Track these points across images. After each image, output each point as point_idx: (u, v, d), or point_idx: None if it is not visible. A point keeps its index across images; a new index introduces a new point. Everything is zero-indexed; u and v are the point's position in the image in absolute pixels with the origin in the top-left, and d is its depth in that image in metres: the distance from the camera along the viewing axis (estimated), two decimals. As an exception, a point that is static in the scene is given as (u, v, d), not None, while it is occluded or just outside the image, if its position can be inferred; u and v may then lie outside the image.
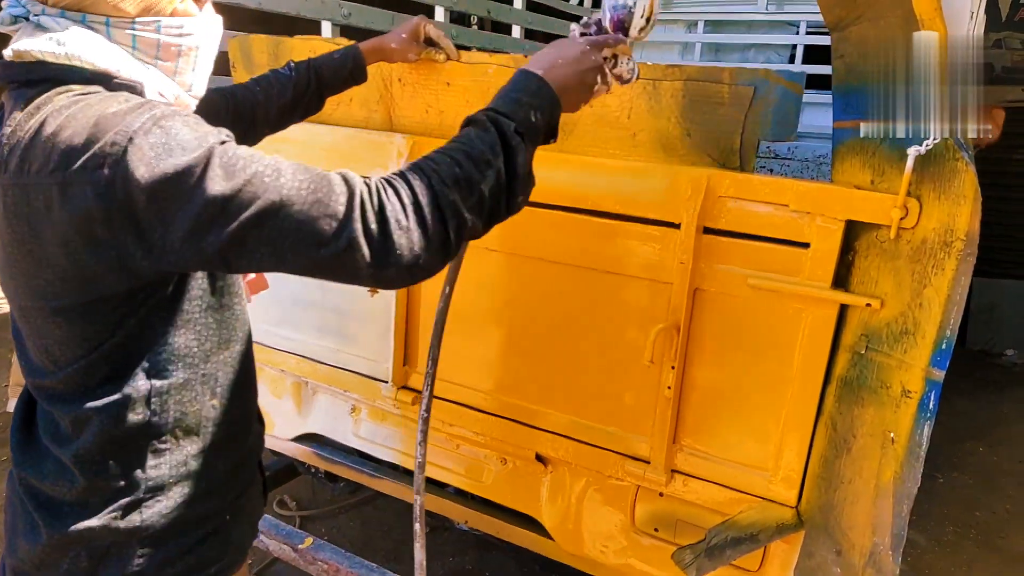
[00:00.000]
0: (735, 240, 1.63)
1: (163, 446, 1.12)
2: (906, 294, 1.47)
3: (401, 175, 1.00)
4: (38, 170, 0.94)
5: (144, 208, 0.91)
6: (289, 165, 0.96)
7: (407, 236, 0.96)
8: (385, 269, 0.96)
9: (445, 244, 1.00)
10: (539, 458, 2.01)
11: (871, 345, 1.52)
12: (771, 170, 4.84)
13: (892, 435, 1.49)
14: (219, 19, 1.12)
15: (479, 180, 1.02)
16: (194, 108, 1.12)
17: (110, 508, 1.09)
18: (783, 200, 1.56)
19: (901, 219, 1.45)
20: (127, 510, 1.11)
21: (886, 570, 1.50)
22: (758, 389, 1.66)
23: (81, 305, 1.01)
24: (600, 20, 1.31)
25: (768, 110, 1.62)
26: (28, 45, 0.98)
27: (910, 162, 1.42)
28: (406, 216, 0.96)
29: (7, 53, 1.00)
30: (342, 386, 2.26)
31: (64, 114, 0.94)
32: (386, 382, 2.15)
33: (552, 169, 1.81)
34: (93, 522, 1.09)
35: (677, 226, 1.67)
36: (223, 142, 0.95)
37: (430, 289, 2.05)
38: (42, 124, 0.95)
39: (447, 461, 2.19)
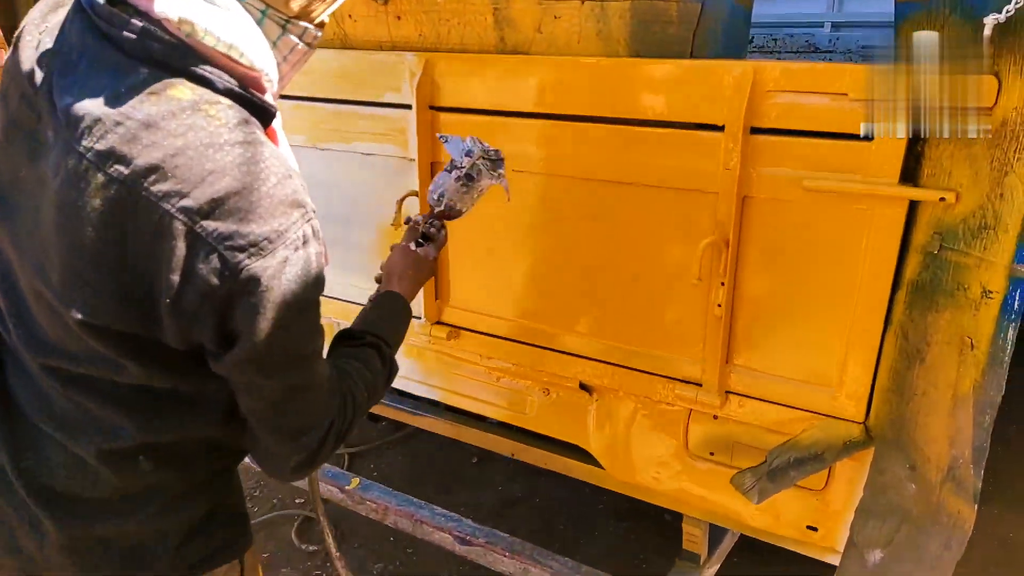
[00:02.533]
0: (787, 139, 1.47)
1: None
2: (984, 184, 1.32)
3: (344, 410, 1.06)
4: (163, 193, 0.82)
5: (243, 311, 0.87)
6: (323, 355, 1.03)
7: (325, 457, 1.05)
8: (297, 472, 1.06)
9: (330, 456, 1.09)
10: (583, 387, 1.93)
11: (945, 243, 1.38)
12: (811, 65, 4.56)
13: (971, 340, 1.36)
14: None
15: (367, 409, 1.16)
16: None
17: (144, 509, 1.02)
18: (841, 88, 1.39)
19: (977, 99, 1.29)
20: (164, 511, 1.03)
21: (967, 484, 1.39)
22: (818, 301, 1.53)
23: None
24: (425, 217, 1.53)
25: (717, 27, 1.51)
26: (190, 13, 0.84)
27: (987, 32, 1.24)
28: (333, 445, 1.05)
29: (160, 11, 0.83)
30: (374, 325, 2.18)
31: (200, 137, 0.84)
32: (419, 318, 2.06)
33: (577, 77, 1.66)
34: (122, 523, 1.02)
35: (720, 128, 1.51)
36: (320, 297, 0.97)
37: (458, 221, 1.93)
38: (164, 127, 0.83)
39: (487, 394, 2.12)
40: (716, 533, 1.96)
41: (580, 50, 1.70)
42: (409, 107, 1.87)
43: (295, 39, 0.96)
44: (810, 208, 1.49)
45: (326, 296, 2.18)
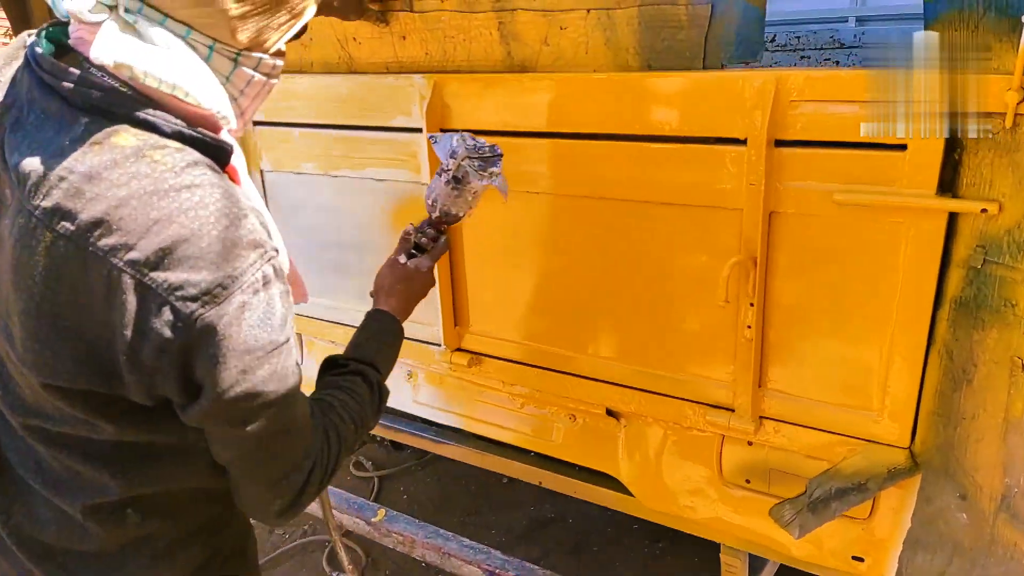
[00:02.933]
0: (814, 150, 1.39)
1: None
2: (1030, 192, 1.23)
3: (328, 447, 1.02)
4: (109, 247, 0.80)
5: (203, 362, 0.84)
6: (301, 395, 0.96)
7: (311, 497, 1.01)
8: (282, 517, 1.01)
9: (319, 493, 1.04)
10: (610, 413, 1.86)
11: (989, 257, 1.28)
12: (837, 62, 4.43)
13: (1022, 361, 1.26)
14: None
15: (357, 441, 1.12)
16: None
17: (135, 559, 1.00)
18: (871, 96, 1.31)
19: (1018, 103, 1.20)
20: (156, 560, 1.01)
21: (1022, 515, 1.30)
22: (855, 320, 1.45)
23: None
24: (419, 226, 1.47)
25: (729, 29, 1.45)
26: (128, 57, 0.80)
27: (1027, 31, 1.16)
28: (319, 485, 1.01)
29: (96, 56, 0.79)
30: (394, 353, 2.14)
31: (144, 185, 0.80)
32: (438, 345, 2.00)
33: (591, 94, 1.59)
34: (115, 575, 1.00)
35: (743, 142, 1.44)
36: (291, 335, 0.92)
37: (474, 246, 1.88)
38: (106, 178, 0.80)
39: (512, 422, 2.05)
40: (756, 561, 1.88)
41: (588, 61, 1.63)
42: (420, 131, 1.82)
43: (250, 71, 0.92)
44: (842, 223, 1.41)
45: (342, 324, 2.15)
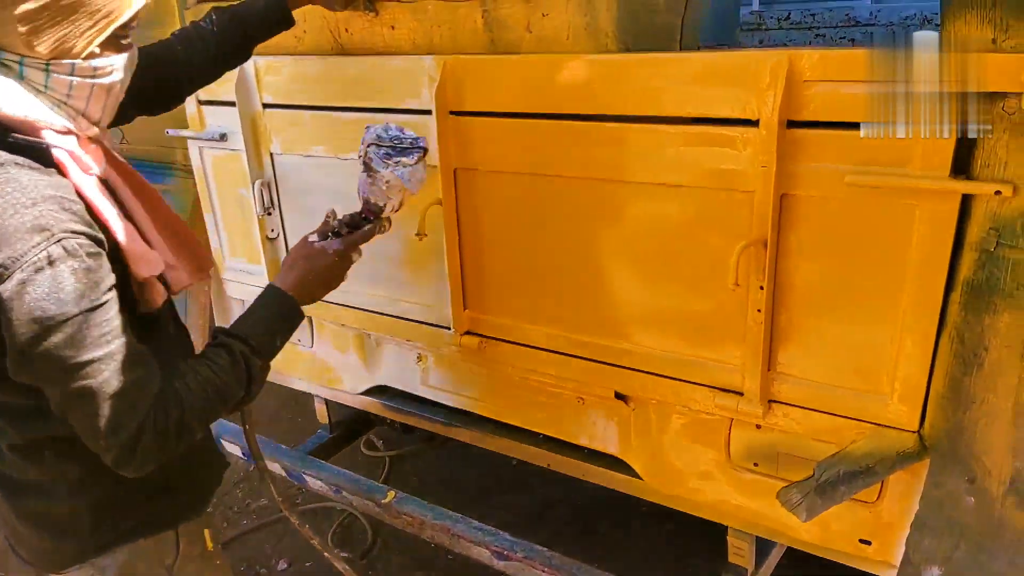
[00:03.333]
0: (827, 132, 1.38)
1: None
2: (1045, 175, 1.21)
3: (166, 408, 1.12)
4: None
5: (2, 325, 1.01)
6: (122, 360, 1.07)
7: (151, 455, 1.11)
8: (120, 468, 1.12)
9: (165, 458, 1.15)
10: (619, 396, 1.86)
11: (1003, 240, 1.27)
12: (852, 40, 4.37)
13: (1034, 344, 1.26)
14: (133, 54, 1.16)
15: (220, 412, 1.23)
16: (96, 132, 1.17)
17: (56, 491, 1.23)
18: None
19: (1035, 83, 1.18)
20: (71, 493, 1.22)
21: (1033, 498, 1.29)
22: (866, 303, 1.44)
23: None
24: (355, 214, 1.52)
25: (704, 10, 1.47)
26: None
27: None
28: (156, 443, 1.11)
29: None
30: (404, 336, 2.14)
31: None
32: (448, 329, 2.01)
33: (605, 75, 1.58)
34: (46, 502, 1.24)
35: (755, 123, 1.43)
36: (97, 306, 1.04)
37: (483, 228, 1.88)
38: None
39: (520, 404, 2.06)
40: (763, 544, 1.88)
41: (570, 46, 1.64)
42: (429, 113, 1.81)
43: (67, 77, 1.07)
44: (854, 205, 1.39)
45: (351, 307, 2.16)
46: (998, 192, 1.25)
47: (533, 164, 1.73)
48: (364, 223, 1.51)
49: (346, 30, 1.96)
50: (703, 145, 1.51)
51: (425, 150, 1.53)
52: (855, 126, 1.34)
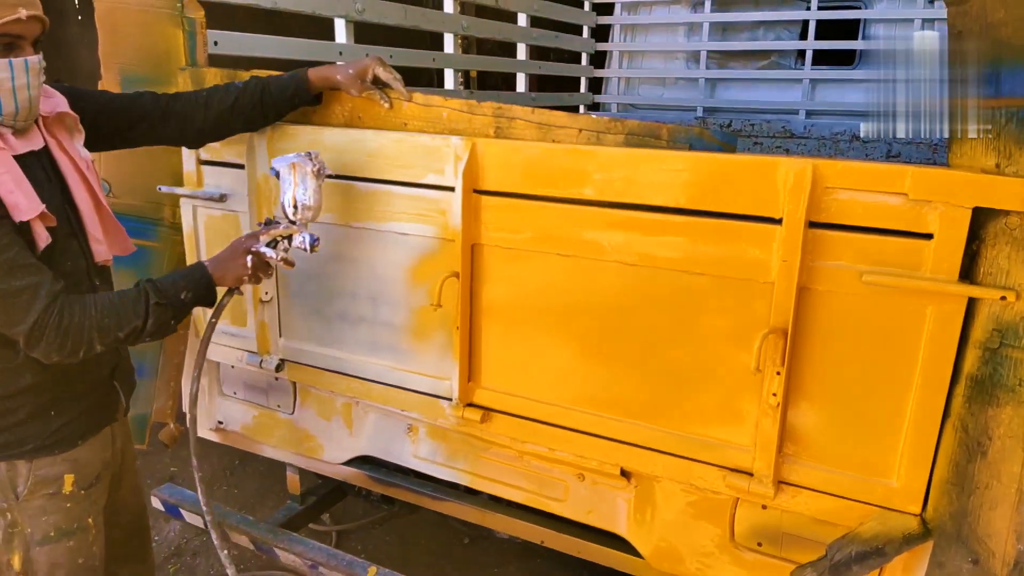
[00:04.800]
0: (846, 234, 1.51)
1: None
2: (1042, 285, 1.37)
3: (71, 313, 1.49)
4: None
5: None
6: (16, 269, 1.44)
7: (54, 345, 1.49)
8: (29, 348, 1.50)
9: (72, 355, 1.52)
10: (623, 473, 1.90)
11: (1006, 340, 1.42)
12: (787, 150, 4.74)
13: (1033, 436, 1.39)
14: (35, 58, 1.45)
15: (116, 330, 1.55)
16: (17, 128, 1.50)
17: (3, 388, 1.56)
18: (900, 188, 1.44)
19: (1034, 203, 1.35)
20: (10, 394, 1.56)
21: (1033, 579, 1.40)
22: (875, 393, 1.55)
23: None
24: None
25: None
26: None
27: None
28: (57, 339, 1.48)
29: None
30: (399, 405, 2.12)
31: None
32: (449, 400, 2.01)
33: (641, 168, 1.68)
34: None
35: (778, 221, 1.55)
36: None
37: (490, 300, 1.92)
38: None
39: (517, 479, 2.06)
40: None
41: None
42: (452, 190, 1.86)
43: None
44: (869, 301, 1.52)
45: (354, 376, 2.13)
46: (1003, 297, 1.40)
47: (550, 244, 1.80)
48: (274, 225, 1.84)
49: (359, 117, 2.05)
50: (725, 240, 1.61)
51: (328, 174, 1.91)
52: (873, 230, 1.48)
